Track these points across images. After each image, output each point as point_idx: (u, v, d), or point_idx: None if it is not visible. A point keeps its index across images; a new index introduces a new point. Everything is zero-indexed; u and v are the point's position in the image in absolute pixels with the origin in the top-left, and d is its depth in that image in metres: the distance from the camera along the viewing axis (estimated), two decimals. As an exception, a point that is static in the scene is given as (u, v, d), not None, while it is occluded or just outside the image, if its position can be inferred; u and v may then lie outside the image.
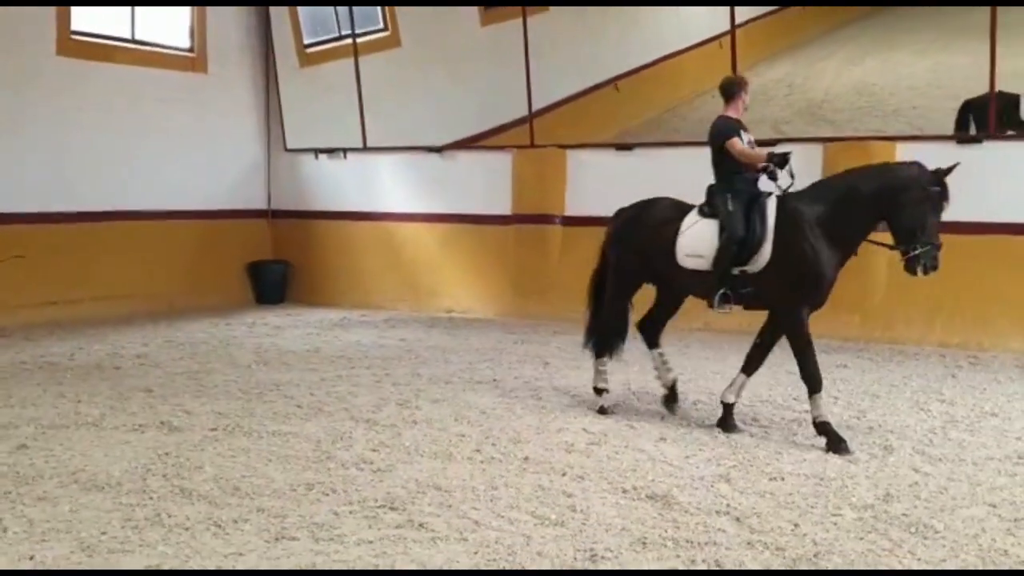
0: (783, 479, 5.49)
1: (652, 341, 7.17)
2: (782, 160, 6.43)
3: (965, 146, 9.29)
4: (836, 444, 6.01)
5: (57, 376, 8.16)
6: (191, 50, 12.73)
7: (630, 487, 5.35)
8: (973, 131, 9.64)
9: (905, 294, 9.48)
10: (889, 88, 17.12)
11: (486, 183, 11.72)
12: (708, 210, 6.64)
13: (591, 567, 4.30)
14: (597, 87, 16.03)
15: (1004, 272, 9.08)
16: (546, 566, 4.32)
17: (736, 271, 6.38)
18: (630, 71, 16.96)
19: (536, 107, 11.90)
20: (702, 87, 18.00)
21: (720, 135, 6.61)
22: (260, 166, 13.41)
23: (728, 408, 6.59)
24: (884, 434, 6.41)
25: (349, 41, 12.66)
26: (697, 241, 6.56)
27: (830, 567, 4.27)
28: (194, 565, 4.28)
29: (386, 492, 5.29)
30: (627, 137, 13.06)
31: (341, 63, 12.77)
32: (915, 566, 4.28)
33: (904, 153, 9.55)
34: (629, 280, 7.04)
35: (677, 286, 6.91)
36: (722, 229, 6.43)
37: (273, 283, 13.14)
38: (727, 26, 11.06)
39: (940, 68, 17.88)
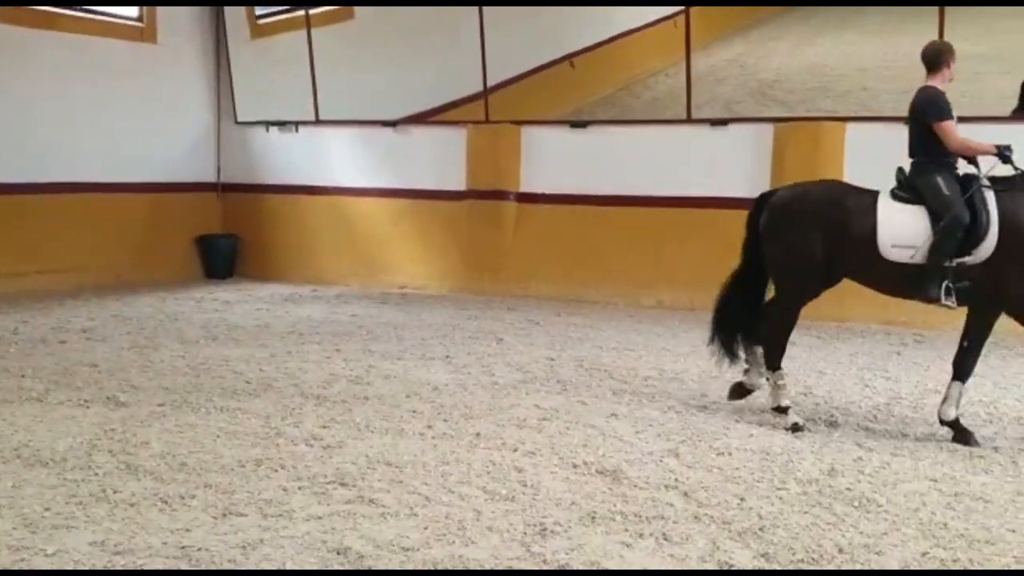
0: (730, 454, 5.56)
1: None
2: (1006, 154, 5.81)
3: (913, 127, 9.38)
4: None
5: (0, 350, 8.01)
6: (140, 19, 12.48)
7: (580, 462, 5.38)
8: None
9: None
10: (840, 69, 17.28)
11: (440, 158, 11.67)
12: (906, 195, 5.97)
13: (541, 542, 4.33)
14: (552, 64, 16.01)
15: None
16: (496, 541, 4.34)
17: (953, 263, 5.73)
18: (585, 48, 16.95)
19: (491, 83, 11.85)
20: (657, 66, 18.08)
21: (933, 112, 5.91)
22: (210, 139, 13.22)
23: (956, 424, 5.91)
24: (830, 410, 6.51)
25: (302, 13, 12.50)
26: (905, 229, 5.82)
27: (775, 540, 4.33)
28: (140, 542, 4.24)
29: (336, 468, 5.28)
30: (582, 114, 13.05)
31: (293, 35, 12.61)
32: (858, 539, 4.36)
33: (853, 134, 9.66)
34: (815, 278, 6.14)
35: (869, 281, 6.16)
36: (933, 215, 5.79)
37: (222, 257, 12.99)
38: (682, 5, 11.06)
39: (890, 50, 18.07)
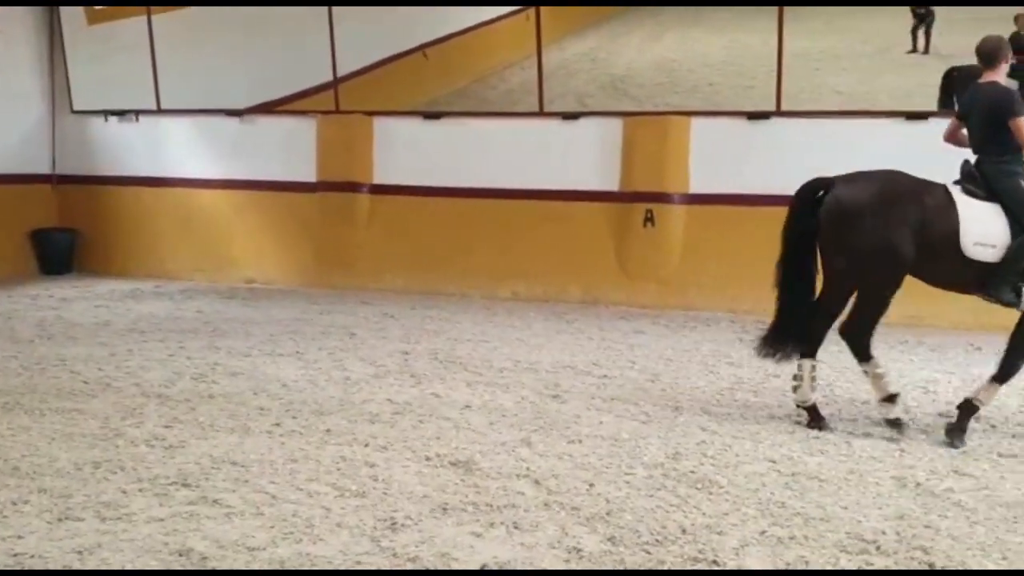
0: (581, 441, 5.64)
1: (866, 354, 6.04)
2: None
3: (755, 121, 9.74)
4: None
5: None
6: (-35, 2, 11.76)
7: (433, 455, 5.36)
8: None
9: (698, 263, 9.90)
10: (687, 65, 17.86)
11: (289, 149, 11.41)
12: (978, 190, 5.82)
13: (391, 536, 4.29)
14: (406, 54, 15.93)
15: (789, 241, 9.60)
16: (345, 537, 4.28)
17: None
18: (439, 39, 16.94)
19: (342, 72, 11.67)
20: (511, 58, 18.23)
21: (1010, 110, 5.75)
22: (44, 129, 12.57)
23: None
24: (676, 395, 6.68)
25: (143, -1, 12.03)
26: (987, 227, 5.67)
27: (621, 524, 4.41)
28: (-37, 552, 4.00)
29: (178, 469, 5.11)
30: (436, 105, 13.04)
31: (133, 21, 12.11)
32: (701, 520, 4.48)
33: (698, 128, 9.93)
34: (900, 274, 5.86)
35: (938, 278, 5.98)
36: (1012, 216, 5.65)
37: (59, 252, 12.39)
38: (523, 5, 11.16)
39: (735, 46, 18.79)
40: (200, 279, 11.66)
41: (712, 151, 9.80)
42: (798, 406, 6.14)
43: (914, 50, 17.70)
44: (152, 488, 4.85)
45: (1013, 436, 5.84)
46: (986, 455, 5.50)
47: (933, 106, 10.69)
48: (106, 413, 6.07)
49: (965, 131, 6.18)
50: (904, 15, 20.46)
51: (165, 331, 8.71)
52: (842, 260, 5.91)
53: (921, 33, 17.72)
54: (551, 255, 10.50)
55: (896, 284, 5.88)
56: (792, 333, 6.13)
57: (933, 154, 8.91)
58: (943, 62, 16.42)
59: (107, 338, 8.38)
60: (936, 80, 14.97)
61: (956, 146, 6.31)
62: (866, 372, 6.05)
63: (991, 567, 4.11)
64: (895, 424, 5.87)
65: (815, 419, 6.03)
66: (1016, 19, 14.48)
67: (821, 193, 6.10)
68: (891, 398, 5.93)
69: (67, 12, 12.21)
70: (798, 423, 6.06)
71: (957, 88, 9.89)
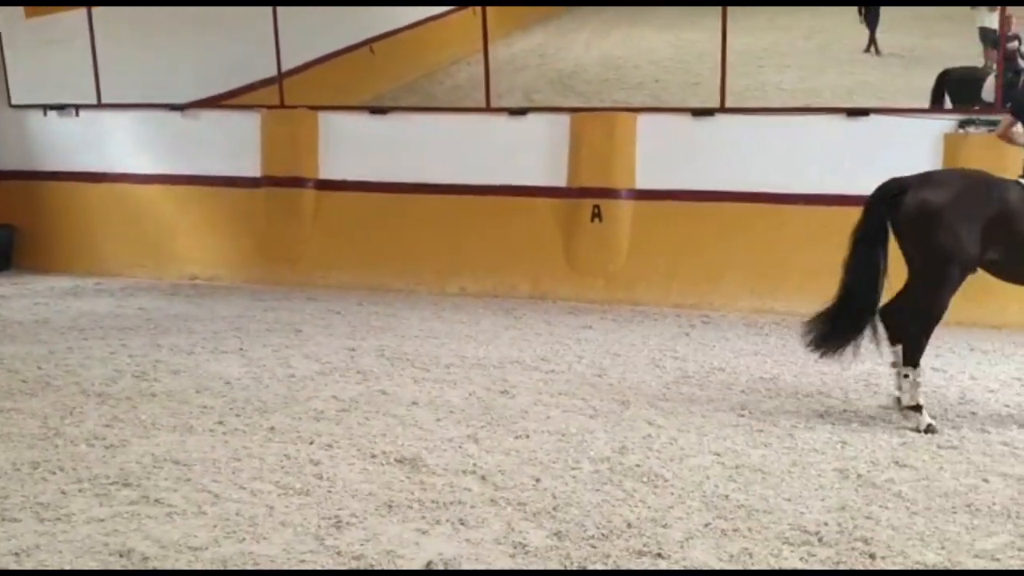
0: (528, 437, 5.65)
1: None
2: None
3: (700, 118, 9.82)
4: None
5: None
6: None
7: (379, 452, 5.34)
8: (948, 104, 9.94)
9: (645, 258, 9.95)
10: (634, 61, 17.88)
11: (233, 144, 11.26)
12: None
13: (336, 534, 4.26)
14: (352, 48, 15.79)
15: (732, 236, 9.69)
16: (288, 535, 4.24)
17: None
18: (386, 33, 16.83)
19: (287, 67, 11.54)
20: (459, 53, 18.17)
21: None
22: (-20, 123, 12.29)
23: None
24: (623, 390, 6.71)
25: (82, -10, 11.79)
26: None
27: (567, 518, 4.43)
28: None
29: (119, 468, 5.04)
30: (383, 100, 12.92)
31: (72, 14, 11.87)
32: (646, 514, 4.51)
33: (644, 124, 10.00)
34: (968, 272, 6.00)
35: (1013, 275, 6.14)
36: None
37: (-3, 249, 12.13)
38: (468, 6, 11.13)
39: (680, 43, 18.84)
40: (142, 276, 11.47)
41: (658, 147, 9.87)
42: (906, 407, 6.01)
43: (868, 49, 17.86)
44: (92, 488, 4.78)
45: (953, 427, 5.95)
46: (925, 446, 5.60)
47: (873, 102, 10.85)
48: (45, 412, 5.97)
49: (1020, 127, 6.35)
50: (841, 13, 20.76)
51: (106, 328, 8.56)
52: (925, 260, 5.95)
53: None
54: (499, 251, 10.49)
55: (960, 282, 5.99)
56: (848, 332, 6.13)
57: (873, 150, 9.12)
58: (885, 61, 16.69)
59: (46, 336, 8.22)
60: (877, 78, 15.24)
61: (1009, 143, 6.49)
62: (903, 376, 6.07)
63: (931, 556, 4.19)
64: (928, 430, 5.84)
65: (925, 418, 5.93)
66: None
67: (897, 194, 6.10)
68: (917, 408, 5.96)
69: (4, 5, 11.94)
70: (742, 416, 6.12)
71: (950, 89, 10.07)
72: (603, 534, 4.28)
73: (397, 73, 16.82)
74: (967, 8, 15.23)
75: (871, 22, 16.73)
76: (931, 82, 13.69)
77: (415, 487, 4.82)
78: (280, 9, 11.20)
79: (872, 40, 16.78)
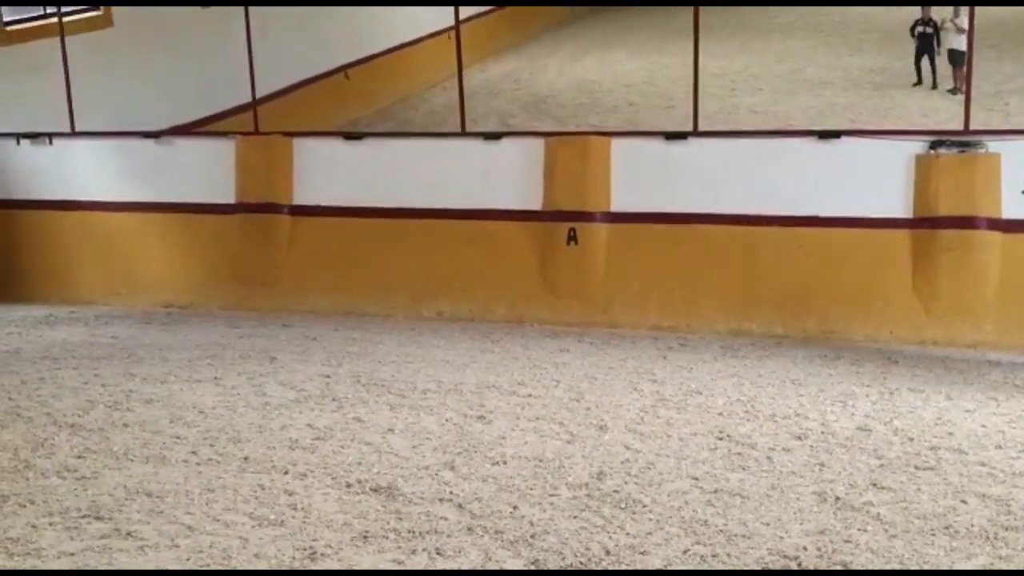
0: (505, 463, 5.61)
1: None
2: None
3: (673, 141, 9.86)
4: None
5: None
6: None
7: (354, 481, 5.29)
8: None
9: (621, 280, 9.96)
10: (608, 85, 18.08)
11: (208, 171, 11.21)
12: None
13: (311, 566, 4.21)
14: (327, 75, 15.83)
15: (710, 258, 9.72)
16: (263, 567, 4.18)
17: None
18: (361, 59, 16.88)
19: (262, 93, 11.52)
20: (434, 78, 18.25)
21: None
22: (-48, 151, 12.18)
23: None
24: (600, 414, 6.68)
25: (55, 20, 11.75)
26: None
27: (545, 546, 4.39)
28: None
29: (91, 501, 4.96)
30: (359, 126, 12.96)
31: (47, 42, 11.82)
32: (625, 540, 4.48)
33: (619, 147, 10.04)
34: None
35: None
36: None
37: (-31, 279, 11.98)
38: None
39: (654, 67, 19.08)
40: (117, 304, 11.36)
41: (632, 170, 9.89)
42: None
43: (919, 82, 16.13)
44: (63, 521, 4.70)
45: (930, 448, 5.96)
46: (903, 468, 5.60)
47: (844, 125, 10.94)
48: (15, 444, 5.87)
49: None
50: (812, 37, 21.05)
51: (79, 358, 8.46)
52: None
53: (926, 62, 16.03)
54: (475, 274, 10.47)
55: None
56: None
57: (844, 172, 9.19)
58: (856, 83, 16.89)
59: (17, 366, 8.11)
60: (848, 100, 15.42)
61: None
62: None
63: (909, 579, 4.18)
64: None
65: None
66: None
67: None
68: None
69: (-24, 32, 11.88)
70: (720, 439, 6.11)
71: None
72: (581, 562, 4.25)
73: (372, 99, 16.91)
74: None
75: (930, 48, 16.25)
76: (902, 102, 13.81)
77: (391, 516, 4.78)
78: (255, 36, 11.19)
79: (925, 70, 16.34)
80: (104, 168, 11.57)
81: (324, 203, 10.92)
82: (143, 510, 4.84)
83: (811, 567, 4.24)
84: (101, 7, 12.21)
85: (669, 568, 4.22)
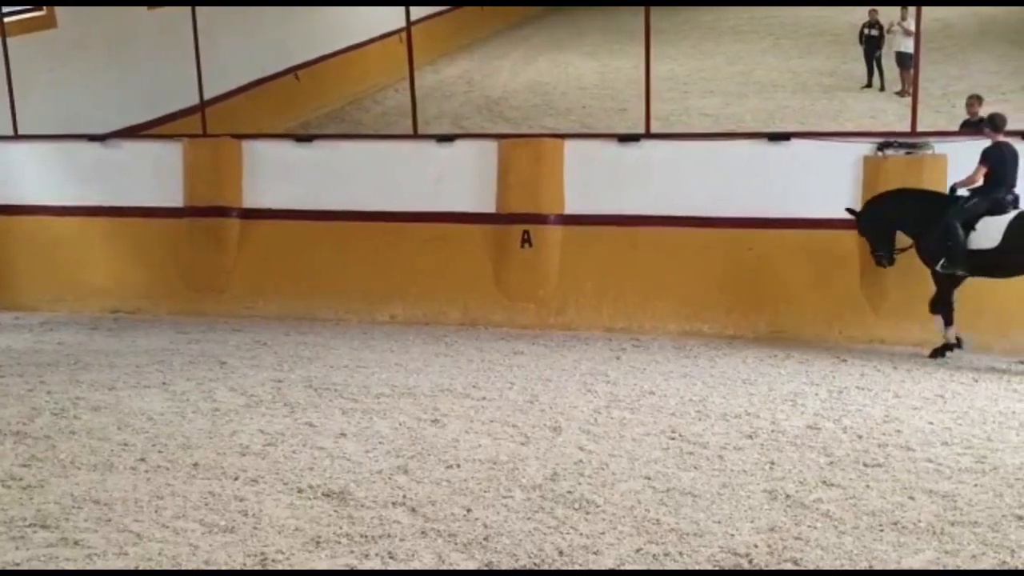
0: (459, 466, 5.59)
1: None
2: None
3: (626, 144, 9.91)
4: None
5: None
6: None
7: (306, 486, 5.24)
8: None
9: (575, 282, 9.98)
10: (561, 88, 18.13)
11: (155, 174, 11.05)
12: None
13: (261, 571, 4.16)
14: (276, 76, 15.68)
15: (662, 260, 9.77)
16: (212, 575, 4.13)
17: None
18: (311, 60, 16.75)
19: (210, 95, 11.39)
20: (386, 80, 18.16)
21: None
22: None
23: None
24: (554, 416, 6.68)
25: (-4, 19, 11.53)
26: None
27: (499, 548, 4.38)
28: None
29: (36, 510, 4.87)
30: (310, 128, 12.87)
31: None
32: (578, 541, 4.49)
33: (572, 149, 10.05)
34: None
35: None
36: None
37: (-91, 285, 11.71)
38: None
39: (606, 70, 19.17)
40: (62, 310, 11.16)
41: (585, 173, 9.92)
42: None
43: (869, 85, 16.56)
44: (8, 531, 4.61)
45: (879, 445, 6.03)
46: (852, 465, 5.67)
47: (794, 127, 11.06)
48: (-43, 454, 5.73)
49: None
50: (762, 39, 21.25)
51: (24, 365, 8.30)
52: None
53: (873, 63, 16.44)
54: (429, 278, 10.43)
55: None
56: None
57: (793, 174, 9.29)
58: (804, 85, 17.10)
59: (-40, 374, 7.94)
60: (798, 103, 15.59)
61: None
62: None
63: None
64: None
65: None
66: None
67: None
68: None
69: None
70: (672, 439, 6.14)
71: None
72: (535, 563, 4.25)
73: (323, 100, 16.77)
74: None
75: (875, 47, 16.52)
76: (851, 104, 13.95)
77: (343, 521, 4.73)
78: (203, 37, 11.06)
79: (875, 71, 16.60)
80: (49, 172, 11.36)
81: (274, 206, 10.82)
82: (91, 518, 4.75)
83: (762, 564, 4.27)
84: (44, 7, 11.99)
85: (622, 568, 4.22)
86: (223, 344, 9.23)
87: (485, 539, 4.49)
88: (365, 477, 5.39)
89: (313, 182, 10.71)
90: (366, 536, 4.54)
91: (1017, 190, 8.27)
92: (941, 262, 8.16)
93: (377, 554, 4.34)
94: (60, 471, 5.47)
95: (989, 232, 8.02)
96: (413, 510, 4.88)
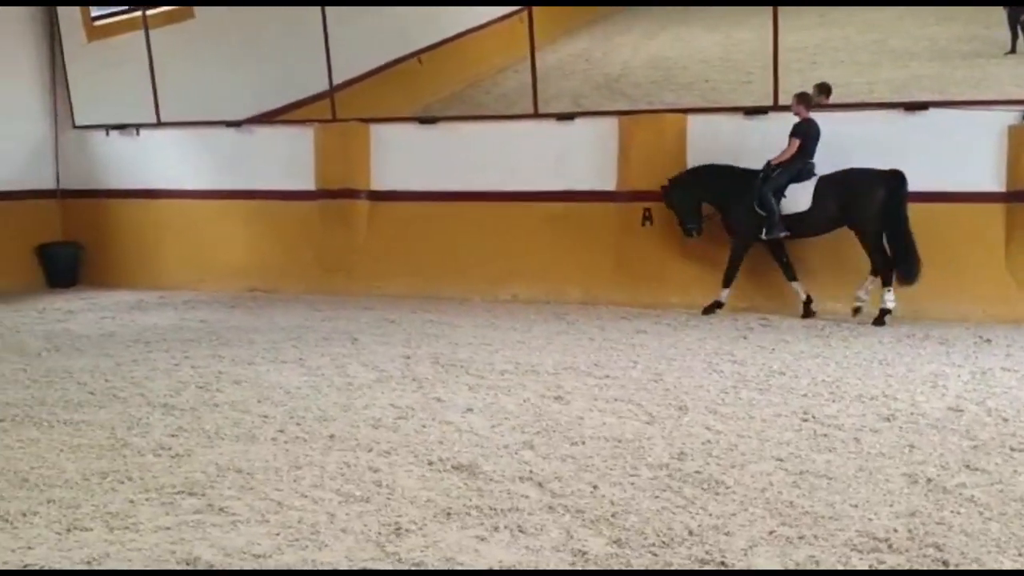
0: (584, 443, 5.62)
1: None
2: None
3: (752, 117, 9.73)
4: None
5: None
6: (-34, 21, 11.79)
7: (436, 459, 5.35)
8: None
9: (698, 261, 9.89)
10: (682, 62, 17.80)
11: (287, 158, 11.43)
12: None
13: (396, 541, 4.28)
14: (400, 60, 15.89)
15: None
16: (349, 542, 4.27)
17: None
18: (433, 44, 16.91)
19: (338, 80, 11.67)
20: (505, 61, 18.19)
21: None
22: (47, 144, 12.62)
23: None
24: (679, 395, 6.65)
25: (139, 13, 12.05)
26: None
27: (627, 526, 4.40)
28: (-27, 565, 4.01)
29: (184, 478, 5.11)
30: (432, 111, 13.00)
31: (131, 36, 12.14)
32: (708, 521, 4.46)
33: (695, 125, 9.93)
34: None
35: None
36: None
37: (64, 266, 12.43)
38: (521, 5, 11.12)
39: (729, 43, 18.73)
40: (203, 289, 11.67)
41: (709, 148, 9.79)
42: None
43: (1013, 51, 15.30)
44: (159, 497, 4.84)
45: None
46: (998, 449, 5.45)
47: (930, 96, 10.65)
48: (112, 424, 6.07)
49: None
50: (893, 6, 20.40)
51: (169, 341, 8.71)
52: None
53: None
54: (550, 256, 10.50)
55: None
56: None
57: (931, 143, 8.95)
58: (943, 53, 16.40)
59: (112, 349, 8.38)
60: (934, 71, 14.97)
61: None
62: None
63: (1008, 564, 4.05)
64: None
65: None
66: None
67: None
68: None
69: (67, 29, 12.26)
70: (805, 420, 6.04)
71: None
72: (664, 542, 4.24)
73: (445, 83, 16.91)
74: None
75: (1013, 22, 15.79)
76: (993, 72, 13.39)
77: (472, 494, 4.82)
78: (331, 25, 11.32)
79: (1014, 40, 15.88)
80: (189, 157, 11.86)
81: (400, 188, 11.05)
82: (234, 486, 4.96)
83: (902, 549, 4.16)
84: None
85: (754, 546, 4.19)
86: (355, 321, 9.49)
87: (612, 516, 4.51)
88: (492, 452, 5.47)
89: (437, 163, 10.89)
90: (495, 509, 4.61)
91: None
92: (764, 229, 9.02)
93: (506, 527, 4.40)
94: (206, 441, 5.72)
95: (798, 197, 9.00)
96: (540, 485, 4.93)
